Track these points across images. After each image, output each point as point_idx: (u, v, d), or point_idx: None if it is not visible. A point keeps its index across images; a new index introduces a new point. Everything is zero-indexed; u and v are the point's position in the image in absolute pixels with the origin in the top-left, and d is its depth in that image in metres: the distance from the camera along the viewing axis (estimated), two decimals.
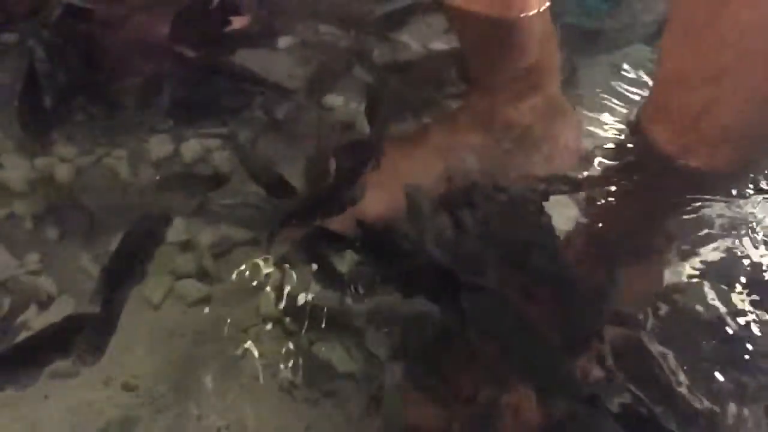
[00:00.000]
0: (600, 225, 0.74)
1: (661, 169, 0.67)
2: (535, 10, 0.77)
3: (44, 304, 0.69)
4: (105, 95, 0.85)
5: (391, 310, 0.70)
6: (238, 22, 0.90)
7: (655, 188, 0.69)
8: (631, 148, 0.75)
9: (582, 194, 0.76)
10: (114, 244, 0.72)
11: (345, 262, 0.72)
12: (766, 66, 0.59)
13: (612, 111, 0.87)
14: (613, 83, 0.92)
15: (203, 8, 0.85)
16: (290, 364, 0.67)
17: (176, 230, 0.75)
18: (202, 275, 0.73)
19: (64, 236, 0.75)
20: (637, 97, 0.89)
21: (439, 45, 0.97)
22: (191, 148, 0.83)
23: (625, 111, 0.86)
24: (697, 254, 0.73)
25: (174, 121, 0.84)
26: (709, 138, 0.64)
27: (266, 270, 0.73)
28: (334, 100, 0.88)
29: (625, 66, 0.94)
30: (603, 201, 0.75)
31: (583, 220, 0.76)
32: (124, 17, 0.88)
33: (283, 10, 0.94)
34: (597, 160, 0.80)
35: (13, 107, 0.83)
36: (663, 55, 0.67)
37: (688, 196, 0.71)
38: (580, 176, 0.80)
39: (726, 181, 0.71)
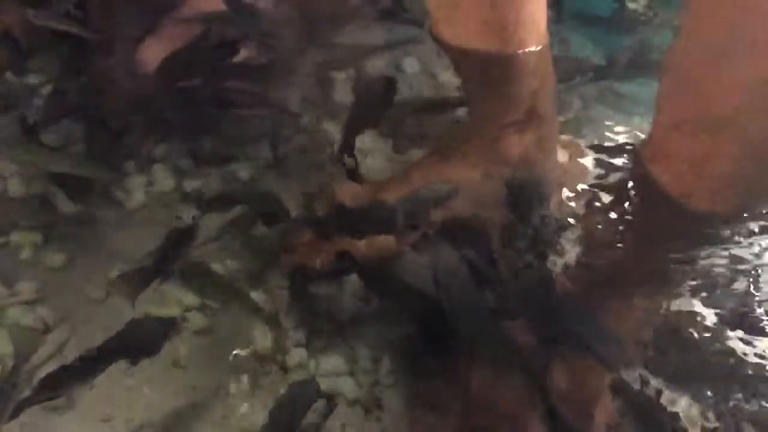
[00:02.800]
0: (597, 260, 0.74)
1: (660, 208, 0.66)
2: (534, 47, 0.77)
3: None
4: (105, 122, 0.85)
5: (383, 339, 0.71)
6: (244, 52, 0.90)
7: (655, 226, 0.68)
8: (631, 184, 0.74)
9: (580, 229, 0.76)
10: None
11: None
12: (767, 118, 0.58)
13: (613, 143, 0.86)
14: (614, 113, 0.92)
15: (199, 47, 0.85)
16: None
17: None
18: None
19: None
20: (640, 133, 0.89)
21: (447, 76, 0.97)
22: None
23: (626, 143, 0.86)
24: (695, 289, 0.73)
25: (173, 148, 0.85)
26: (710, 184, 0.63)
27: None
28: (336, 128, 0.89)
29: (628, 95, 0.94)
30: (601, 237, 0.74)
31: (582, 255, 0.76)
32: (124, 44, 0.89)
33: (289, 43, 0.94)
34: (596, 195, 0.80)
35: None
36: (661, 100, 0.66)
37: (688, 237, 0.70)
38: (578, 211, 0.80)
39: (726, 223, 0.70)
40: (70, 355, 0.68)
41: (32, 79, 0.91)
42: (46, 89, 0.89)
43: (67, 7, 0.88)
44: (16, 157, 0.82)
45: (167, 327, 0.67)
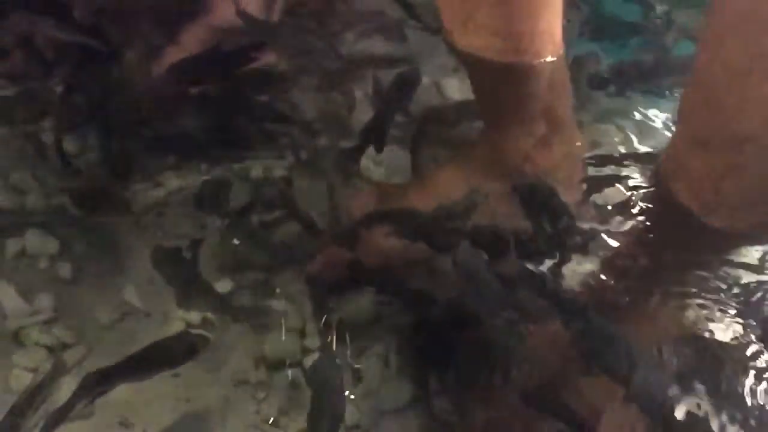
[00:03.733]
0: (616, 275, 0.73)
1: (680, 223, 0.65)
2: (550, 57, 0.76)
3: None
4: (122, 129, 0.85)
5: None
6: (264, 59, 0.90)
7: (674, 243, 0.68)
8: (651, 199, 0.74)
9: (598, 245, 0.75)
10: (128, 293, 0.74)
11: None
12: None
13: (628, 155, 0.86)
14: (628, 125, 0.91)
15: (213, 54, 0.86)
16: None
17: None
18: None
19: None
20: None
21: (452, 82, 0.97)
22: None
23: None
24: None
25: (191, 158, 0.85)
26: (730, 200, 0.62)
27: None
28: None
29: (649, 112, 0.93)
30: (620, 253, 0.74)
31: (599, 271, 0.75)
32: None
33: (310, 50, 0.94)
34: (614, 207, 0.79)
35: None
36: (682, 116, 0.66)
37: (708, 251, 0.69)
38: (597, 227, 0.80)
39: (747, 240, 0.69)
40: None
41: (54, 88, 0.90)
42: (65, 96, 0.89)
43: (87, 17, 0.89)
44: (33, 170, 0.83)
45: (204, 337, 0.68)
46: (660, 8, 1.06)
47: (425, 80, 0.92)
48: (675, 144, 0.68)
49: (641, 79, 0.96)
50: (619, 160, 0.83)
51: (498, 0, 0.70)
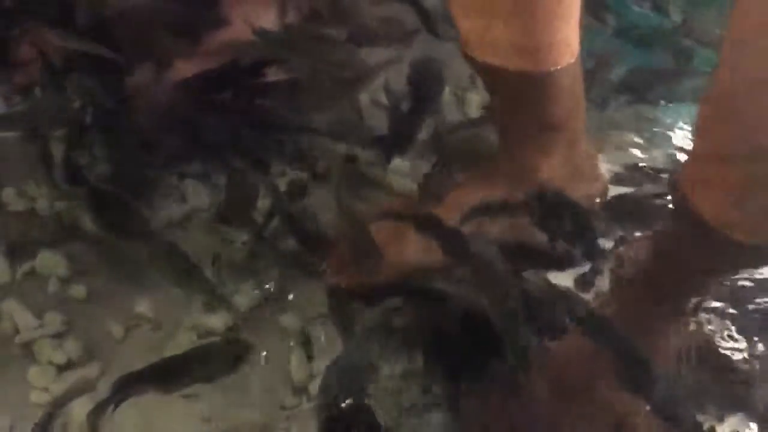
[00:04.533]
0: (633, 289, 0.72)
1: (700, 237, 0.65)
2: (567, 65, 0.76)
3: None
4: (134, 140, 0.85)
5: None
6: (275, 72, 0.90)
7: (694, 255, 0.67)
8: (669, 211, 0.73)
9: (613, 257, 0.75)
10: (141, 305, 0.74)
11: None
12: None
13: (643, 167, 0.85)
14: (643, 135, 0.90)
15: (229, 66, 0.86)
16: None
17: None
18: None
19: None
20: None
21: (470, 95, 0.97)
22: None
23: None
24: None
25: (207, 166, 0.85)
26: (752, 214, 0.61)
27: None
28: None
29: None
30: (636, 266, 0.73)
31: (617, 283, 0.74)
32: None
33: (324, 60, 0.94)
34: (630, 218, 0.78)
35: None
36: (700, 128, 0.65)
37: (728, 266, 0.68)
38: (616, 238, 0.79)
39: None
40: (102, 390, 0.68)
41: (66, 98, 0.90)
42: (79, 107, 0.89)
43: (86, 23, 0.89)
44: (43, 179, 0.83)
45: (241, 349, 0.68)
46: (679, 16, 1.06)
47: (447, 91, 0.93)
48: (694, 156, 0.67)
49: (658, 86, 0.95)
50: (636, 169, 0.82)
51: (515, 13, 0.69)
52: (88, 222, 0.79)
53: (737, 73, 0.57)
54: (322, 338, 0.73)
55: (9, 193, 0.82)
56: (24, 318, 0.73)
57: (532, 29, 0.71)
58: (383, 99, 0.92)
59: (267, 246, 0.78)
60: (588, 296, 0.75)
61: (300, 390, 0.70)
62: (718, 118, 0.61)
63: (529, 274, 0.74)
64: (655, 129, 0.92)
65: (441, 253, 0.71)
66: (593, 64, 0.93)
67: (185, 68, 0.88)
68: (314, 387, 0.69)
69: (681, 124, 0.93)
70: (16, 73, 0.92)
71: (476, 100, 0.96)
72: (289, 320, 0.74)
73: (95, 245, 0.78)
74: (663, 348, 0.69)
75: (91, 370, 0.70)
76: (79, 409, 0.67)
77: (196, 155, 0.86)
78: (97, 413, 0.64)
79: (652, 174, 0.85)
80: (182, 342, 0.72)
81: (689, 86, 0.94)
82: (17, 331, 0.72)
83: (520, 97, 0.77)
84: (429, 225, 0.72)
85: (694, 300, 0.71)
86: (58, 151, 0.83)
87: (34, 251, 0.77)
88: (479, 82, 0.92)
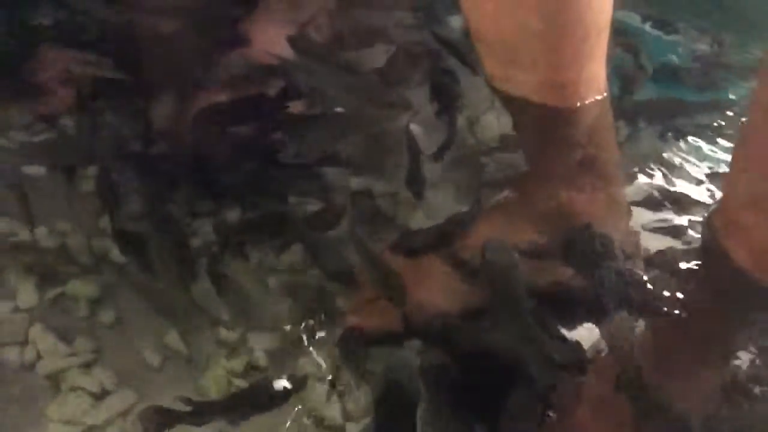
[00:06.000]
0: (664, 334, 0.71)
1: (734, 281, 0.64)
2: (594, 100, 0.75)
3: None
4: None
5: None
6: (296, 105, 0.90)
7: (725, 300, 0.66)
8: (700, 253, 0.71)
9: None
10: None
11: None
12: None
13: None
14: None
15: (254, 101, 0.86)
16: None
17: None
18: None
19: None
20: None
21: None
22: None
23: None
24: None
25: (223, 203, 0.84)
26: None
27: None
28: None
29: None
30: (668, 311, 0.72)
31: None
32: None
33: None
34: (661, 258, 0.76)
35: None
36: (734, 174, 0.64)
37: (760, 312, 0.67)
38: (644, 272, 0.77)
39: None
40: (129, 420, 0.68)
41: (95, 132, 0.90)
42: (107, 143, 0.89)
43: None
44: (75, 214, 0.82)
45: (298, 381, 0.69)
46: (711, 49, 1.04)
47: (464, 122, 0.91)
48: (727, 202, 0.66)
49: (681, 117, 0.93)
50: (663, 207, 0.81)
51: (541, 49, 0.69)
52: (117, 254, 0.79)
53: None
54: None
55: (41, 231, 0.81)
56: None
57: (557, 65, 0.70)
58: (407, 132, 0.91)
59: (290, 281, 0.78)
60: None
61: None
62: (752, 165, 0.60)
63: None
64: (677, 162, 0.90)
65: (465, 295, 0.70)
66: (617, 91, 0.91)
67: (205, 98, 0.87)
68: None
69: (705, 156, 0.91)
70: (40, 102, 0.91)
71: (494, 126, 0.95)
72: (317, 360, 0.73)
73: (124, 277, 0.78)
74: (695, 394, 0.68)
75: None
76: None
77: (215, 187, 0.85)
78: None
79: (678, 212, 0.82)
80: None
81: (717, 118, 0.92)
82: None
83: (545, 132, 0.77)
84: (453, 264, 0.71)
85: (723, 346, 0.70)
86: (88, 185, 0.83)
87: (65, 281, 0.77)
88: (497, 105, 0.91)
